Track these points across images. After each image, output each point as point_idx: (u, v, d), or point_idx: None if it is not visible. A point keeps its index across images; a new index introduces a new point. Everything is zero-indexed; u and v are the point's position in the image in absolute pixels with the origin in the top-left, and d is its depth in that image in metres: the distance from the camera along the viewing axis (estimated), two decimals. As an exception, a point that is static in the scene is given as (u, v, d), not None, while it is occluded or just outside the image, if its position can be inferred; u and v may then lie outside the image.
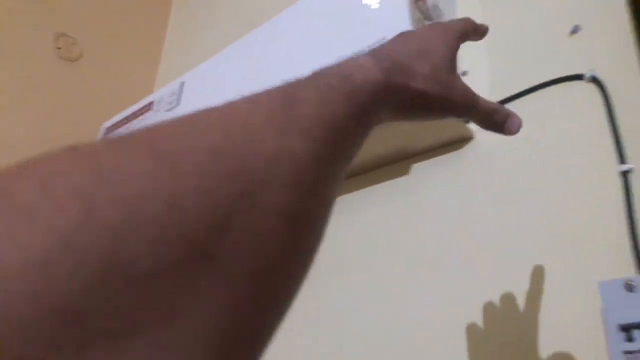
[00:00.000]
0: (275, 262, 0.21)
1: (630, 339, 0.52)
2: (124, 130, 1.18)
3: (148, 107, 1.14)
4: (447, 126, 0.77)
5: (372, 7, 0.75)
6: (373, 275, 0.80)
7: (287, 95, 0.25)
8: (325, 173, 0.25)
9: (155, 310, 0.17)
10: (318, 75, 0.28)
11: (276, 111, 0.24)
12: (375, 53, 0.33)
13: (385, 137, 0.80)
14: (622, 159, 0.62)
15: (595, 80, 0.68)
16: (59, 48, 1.36)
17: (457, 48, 0.40)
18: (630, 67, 0.66)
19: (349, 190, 0.89)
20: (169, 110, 1.07)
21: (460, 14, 0.89)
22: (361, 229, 0.86)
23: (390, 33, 0.70)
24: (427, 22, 0.77)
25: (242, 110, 0.24)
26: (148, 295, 0.16)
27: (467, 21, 0.45)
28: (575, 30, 0.73)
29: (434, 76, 0.35)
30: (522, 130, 0.72)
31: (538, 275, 0.63)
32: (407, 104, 0.34)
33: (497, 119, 0.42)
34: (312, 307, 0.84)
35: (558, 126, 0.70)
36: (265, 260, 0.21)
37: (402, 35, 0.38)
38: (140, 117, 1.15)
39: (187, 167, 0.19)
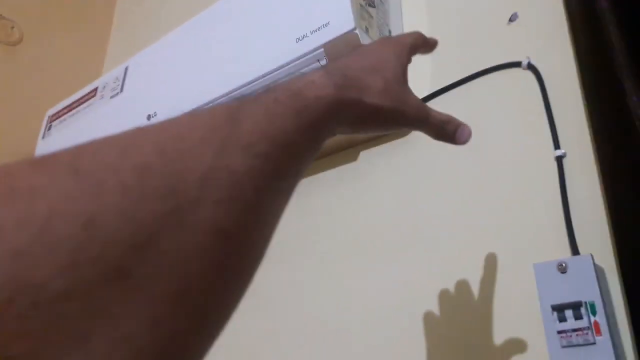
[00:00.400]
0: (205, 278, 0.21)
1: (563, 319, 0.54)
2: (68, 117, 1.14)
3: (92, 94, 1.11)
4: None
5: (317, -8, 0.74)
6: (322, 260, 0.81)
7: (232, 110, 0.25)
8: (267, 189, 0.25)
9: (66, 332, 0.16)
10: (268, 92, 0.28)
11: (218, 126, 0.24)
12: (327, 69, 0.33)
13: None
14: (556, 144, 0.64)
15: (532, 67, 0.70)
16: (-3, 31, 1.30)
17: (408, 61, 0.41)
18: (566, 54, 0.68)
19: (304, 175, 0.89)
20: (112, 96, 1.04)
21: (405, 3, 0.90)
22: (310, 215, 0.86)
23: (332, 17, 0.71)
24: (371, 9, 0.78)
25: (181, 127, 0.23)
26: (58, 318, 0.16)
27: (417, 35, 0.46)
28: (513, 19, 0.74)
29: (387, 91, 0.35)
30: (464, 117, 0.74)
31: (477, 258, 0.65)
32: (360, 118, 0.34)
33: (448, 130, 0.42)
34: (261, 291, 0.84)
35: (497, 112, 0.71)
36: (192, 277, 0.20)
37: (355, 51, 0.39)
38: (85, 104, 1.11)
39: (109, 186, 0.19)
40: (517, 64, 0.71)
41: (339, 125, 0.33)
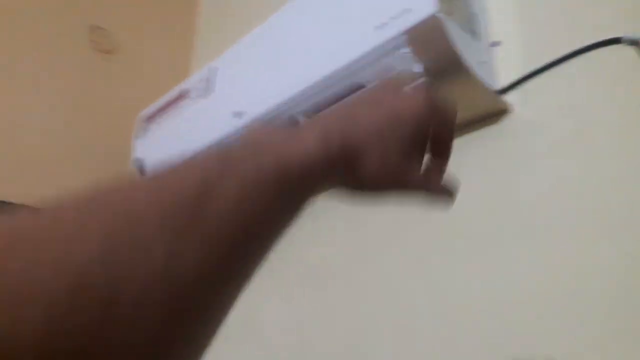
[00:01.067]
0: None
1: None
2: (160, 118, 1.20)
3: (183, 95, 1.16)
4: (481, 99, 0.75)
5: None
6: (414, 253, 0.79)
7: (207, 185, 0.24)
8: (229, 271, 0.24)
9: None
10: (255, 153, 0.27)
11: (185, 205, 0.23)
12: (327, 129, 0.31)
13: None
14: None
15: (635, 43, 0.64)
16: (94, 41, 1.38)
17: (425, 127, 0.35)
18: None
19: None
20: (202, 96, 1.08)
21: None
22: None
23: (413, 2, 0.69)
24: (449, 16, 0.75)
25: (145, 201, 0.22)
26: None
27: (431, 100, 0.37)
28: (613, -10, 0.69)
29: (384, 164, 0.32)
30: (561, 101, 0.70)
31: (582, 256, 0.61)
32: (349, 185, 0.33)
33: (442, 197, 0.40)
34: (357, 284, 0.84)
35: (601, 96, 0.66)
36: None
37: (366, 102, 0.35)
38: (176, 105, 1.16)
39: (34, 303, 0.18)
40: (616, 40, 0.66)
41: (327, 188, 0.31)
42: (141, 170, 1.23)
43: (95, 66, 1.40)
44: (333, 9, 0.81)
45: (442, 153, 0.39)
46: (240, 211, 0.24)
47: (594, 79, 0.68)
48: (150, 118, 1.24)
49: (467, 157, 0.78)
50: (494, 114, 0.77)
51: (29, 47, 1.29)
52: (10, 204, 1.10)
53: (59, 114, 1.30)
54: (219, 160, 0.26)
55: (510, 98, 0.76)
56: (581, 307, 0.60)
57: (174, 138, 1.15)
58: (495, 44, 0.81)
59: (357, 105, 0.34)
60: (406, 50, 0.71)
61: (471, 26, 0.76)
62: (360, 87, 0.77)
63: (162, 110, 1.21)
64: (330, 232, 0.94)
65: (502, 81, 0.78)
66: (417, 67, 0.71)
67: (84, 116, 1.34)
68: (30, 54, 1.29)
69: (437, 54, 0.69)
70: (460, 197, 0.76)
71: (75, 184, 0.23)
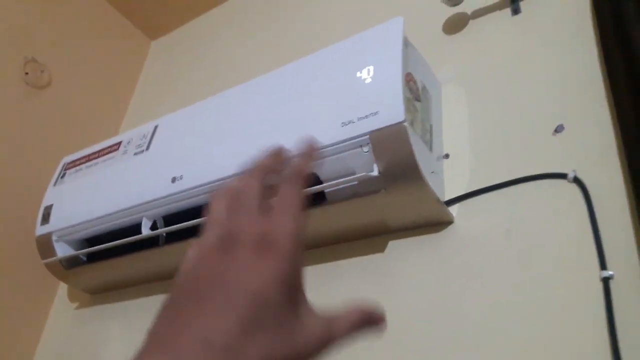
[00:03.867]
0: None
1: None
2: (85, 167, 1.12)
3: (115, 147, 1.10)
4: (427, 207, 0.77)
5: (366, 81, 0.74)
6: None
7: None
8: None
9: None
10: None
11: None
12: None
13: (367, 209, 0.78)
14: (603, 265, 0.62)
15: (577, 181, 0.69)
16: (27, 74, 1.30)
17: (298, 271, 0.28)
18: (614, 169, 0.67)
19: (323, 260, 0.86)
20: (137, 153, 1.02)
21: (445, 102, 0.90)
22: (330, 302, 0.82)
23: (381, 108, 0.70)
24: (417, 103, 0.78)
25: None
26: None
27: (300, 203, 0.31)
28: (559, 130, 0.74)
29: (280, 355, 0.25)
30: (502, 222, 0.72)
31: (513, 375, 0.61)
32: None
33: (371, 325, 0.33)
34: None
35: (539, 223, 0.70)
36: None
37: (192, 297, 0.26)
38: (105, 157, 1.09)
39: None
40: (562, 176, 0.70)
41: None
42: (45, 217, 1.13)
43: (26, 101, 1.30)
44: (299, 96, 0.81)
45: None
46: None
47: (536, 208, 0.71)
48: (74, 164, 1.16)
49: (404, 260, 0.79)
50: (437, 223, 0.79)
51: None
52: None
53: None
54: None
55: (453, 210, 0.78)
56: None
57: (95, 191, 1.07)
58: (445, 156, 0.84)
59: (181, 310, 0.25)
60: (367, 150, 0.71)
61: (427, 137, 0.79)
62: (313, 176, 0.76)
63: (90, 158, 1.13)
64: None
65: (448, 194, 0.80)
66: (374, 168, 0.72)
67: (6, 151, 1.23)
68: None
69: (397, 158, 0.70)
70: (392, 296, 0.76)
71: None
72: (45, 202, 1.14)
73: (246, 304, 0.25)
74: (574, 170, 0.69)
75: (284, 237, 0.28)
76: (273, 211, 0.29)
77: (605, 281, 0.61)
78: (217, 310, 0.24)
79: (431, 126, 0.82)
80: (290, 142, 0.77)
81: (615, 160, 0.68)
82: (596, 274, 0.62)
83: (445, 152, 0.85)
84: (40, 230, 1.10)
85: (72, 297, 1.29)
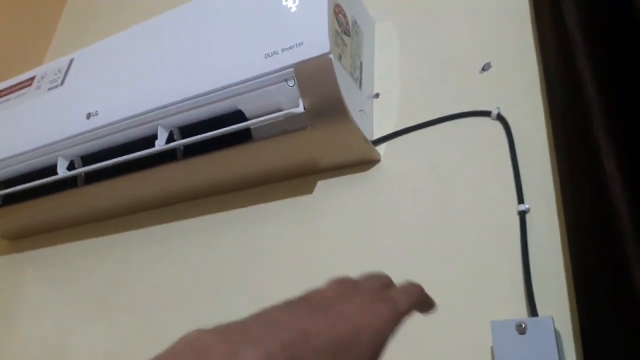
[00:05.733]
0: None
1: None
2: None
3: (28, 82, 1.01)
4: (355, 146, 0.75)
5: (291, 10, 0.70)
6: (263, 292, 0.75)
7: None
8: None
9: None
10: None
11: None
12: (269, 352, 0.24)
13: (293, 147, 0.76)
14: (520, 199, 0.63)
15: (501, 118, 0.69)
16: None
17: (391, 336, 0.30)
18: (536, 108, 0.68)
19: (251, 202, 0.84)
20: (51, 88, 0.95)
21: (377, 37, 0.88)
22: (257, 243, 0.81)
23: (306, 38, 0.67)
24: (345, 37, 0.75)
25: None
26: None
27: (418, 293, 0.35)
28: (486, 68, 0.74)
29: None
30: (427, 160, 0.72)
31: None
32: None
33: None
34: (196, 323, 0.77)
35: (463, 159, 0.70)
36: None
37: (325, 307, 0.28)
38: (17, 92, 1.01)
39: None
40: (486, 113, 0.70)
41: None
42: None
43: None
44: (221, 26, 0.76)
45: None
46: None
47: (460, 144, 0.71)
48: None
49: (333, 199, 0.78)
50: (365, 162, 0.78)
51: None
52: None
53: None
54: None
55: (381, 149, 0.78)
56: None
57: (6, 128, 0.99)
58: (374, 95, 0.83)
59: (314, 313, 0.28)
60: (292, 84, 0.68)
61: (356, 74, 0.77)
62: (237, 112, 0.73)
63: (3, 94, 1.05)
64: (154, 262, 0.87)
65: (376, 132, 0.79)
66: (299, 103, 0.69)
67: None
68: None
69: (322, 93, 0.68)
70: (321, 236, 0.75)
71: None
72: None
73: (344, 330, 0.26)
74: (497, 108, 0.70)
75: (401, 298, 0.31)
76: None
77: (522, 214, 0.62)
78: (324, 320, 0.26)
79: (361, 63, 0.80)
80: (209, 74, 0.74)
81: (539, 99, 0.68)
82: (514, 207, 0.63)
83: (376, 92, 0.83)
84: (-51, 171, 1.02)
85: (-12, 244, 1.22)
